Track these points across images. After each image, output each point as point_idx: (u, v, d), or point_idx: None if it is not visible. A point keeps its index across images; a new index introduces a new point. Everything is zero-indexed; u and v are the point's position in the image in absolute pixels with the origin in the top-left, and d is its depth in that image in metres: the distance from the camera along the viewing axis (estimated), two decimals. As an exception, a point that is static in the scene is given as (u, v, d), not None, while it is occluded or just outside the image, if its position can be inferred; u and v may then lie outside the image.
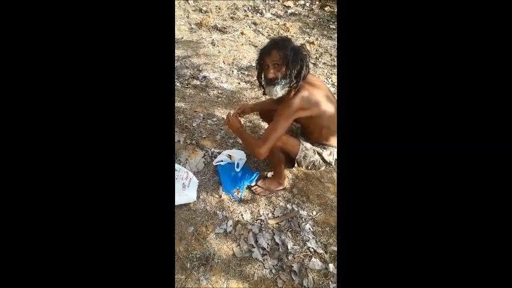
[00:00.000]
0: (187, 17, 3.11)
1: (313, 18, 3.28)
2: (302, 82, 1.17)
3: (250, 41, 2.81)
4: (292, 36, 2.91)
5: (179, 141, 1.62)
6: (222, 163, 1.53)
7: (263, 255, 1.20)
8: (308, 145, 1.33)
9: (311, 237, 1.26)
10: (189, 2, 3.39)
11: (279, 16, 3.31)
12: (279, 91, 1.16)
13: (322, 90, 1.20)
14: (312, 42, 2.78)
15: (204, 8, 3.30)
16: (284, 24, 3.10)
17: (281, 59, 1.12)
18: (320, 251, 1.21)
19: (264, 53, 1.16)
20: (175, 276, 1.10)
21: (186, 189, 1.32)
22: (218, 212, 1.34)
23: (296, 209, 1.39)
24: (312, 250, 1.22)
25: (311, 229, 1.30)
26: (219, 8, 3.35)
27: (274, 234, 1.27)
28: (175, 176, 1.33)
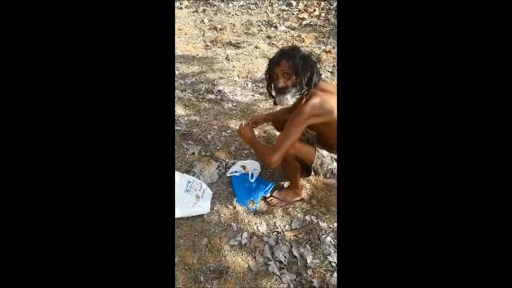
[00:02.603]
0: (203, 35, 3.22)
1: (329, 28, 3.27)
2: (314, 89, 1.15)
3: (264, 54, 2.84)
4: (307, 46, 2.91)
5: (194, 153, 1.63)
6: (236, 174, 1.50)
7: (280, 269, 1.13)
8: (325, 152, 1.28)
9: (332, 251, 1.18)
10: (204, 21, 3.53)
11: (293, 28, 3.33)
12: (289, 99, 1.15)
13: (336, 96, 1.17)
14: (329, 51, 2.76)
15: (219, 26, 3.41)
16: (299, 36, 3.11)
17: (290, 68, 1.12)
18: (342, 265, 1.13)
19: (273, 64, 1.16)
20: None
21: (200, 200, 1.30)
22: (232, 223, 1.30)
23: (315, 221, 1.31)
24: (334, 265, 1.13)
25: (332, 242, 1.22)
26: (233, 25, 3.45)
27: (292, 247, 1.21)
28: (189, 188, 1.32)
